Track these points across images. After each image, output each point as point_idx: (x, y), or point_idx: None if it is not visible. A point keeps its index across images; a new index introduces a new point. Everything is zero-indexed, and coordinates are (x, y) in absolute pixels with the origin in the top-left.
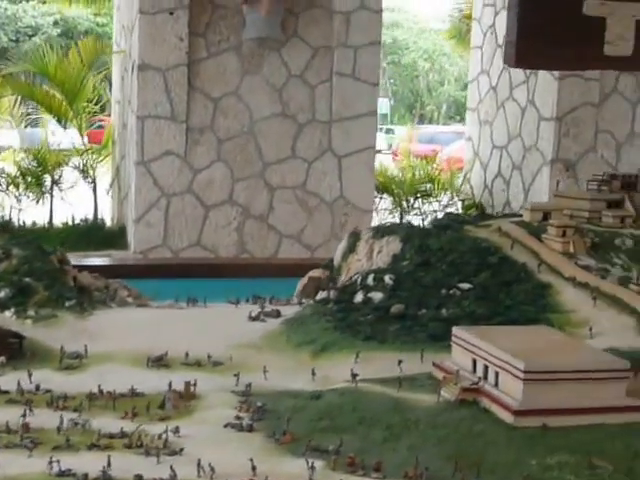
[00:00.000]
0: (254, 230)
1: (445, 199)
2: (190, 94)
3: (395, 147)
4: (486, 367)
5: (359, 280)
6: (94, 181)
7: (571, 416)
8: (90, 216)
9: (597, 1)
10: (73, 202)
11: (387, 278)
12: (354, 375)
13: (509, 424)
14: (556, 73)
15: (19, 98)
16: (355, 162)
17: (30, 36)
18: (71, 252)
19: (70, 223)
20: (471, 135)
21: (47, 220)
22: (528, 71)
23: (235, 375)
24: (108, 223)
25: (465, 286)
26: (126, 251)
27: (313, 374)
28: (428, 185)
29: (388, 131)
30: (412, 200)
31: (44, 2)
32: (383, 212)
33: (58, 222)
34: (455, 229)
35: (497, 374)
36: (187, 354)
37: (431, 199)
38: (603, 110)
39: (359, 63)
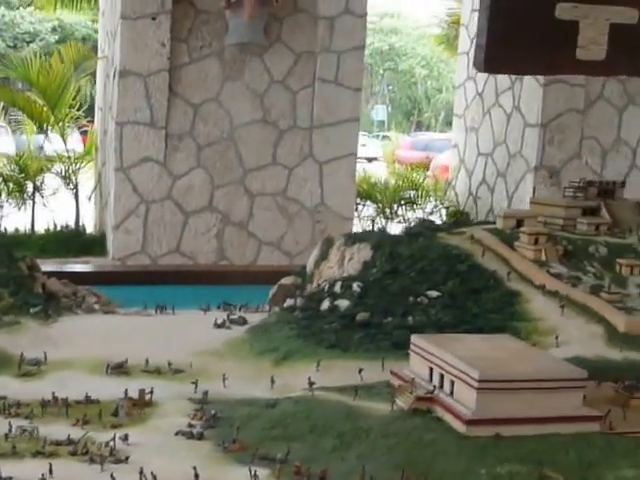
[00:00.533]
0: (234, 237)
1: (430, 206)
2: (170, 100)
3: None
4: (442, 376)
5: (326, 288)
6: (76, 188)
7: (525, 425)
8: (72, 223)
9: (570, 4)
10: (57, 209)
11: (355, 286)
12: (311, 383)
13: (461, 433)
14: (541, 79)
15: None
16: (336, 169)
17: (28, 42)
18: (50, 259)
19: (52, 230)
20: (457, 142)
21: (29, 227)
22: (513, 77)
23: (193, 383)
24: (91, 230)
25: (433, 294)
26: (105, 258)
27: (272, 382)
28: (412, 192)
29: (384, 138)
30: (396, 208)
31: (41, 8)
32: (365, 220)
33: (41, 229)
34: (427, 236)
35: (452, 383)
36: (147, 361)
37: (415, 207)
38: (589, 116)
39: (342, 68)
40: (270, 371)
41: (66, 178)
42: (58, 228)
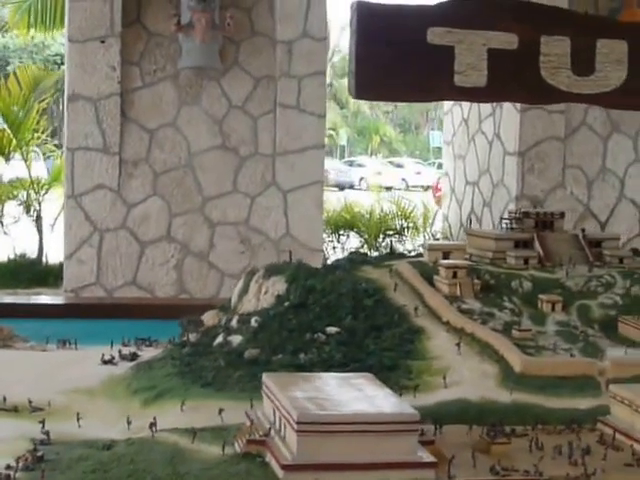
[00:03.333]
0: (194, 268)
1: (423, 237)
2: (124, 125)
3: (435, 182)
4: (281, 418)
5: (223, 322)
6: (38, 215)
7: (350, 472)
8: (34, 252)
9: (443, 29)
10: (25, 238)
11: (252, 321)
12: (152, 424)
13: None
14: (518, 105)
15: None
16: (302, 197)
17: (59, 65)
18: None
19: (13, 259)
20: (447, 170)
21: None
22: (494, 102)
23: (40, 422)
24: (59, 259)
25: (332, 330)
26: (58, 289)
27: (128, 423)
28: (400, 223)
29: (440, 166)
30: (382, 239)
31: (14, 29)
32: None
33: (5, 258)
34: (345, 269)
35: (285, 425)
36: (5, 398)
37: (403, 238)
38: (571, 144)
39: (303, 94)
40: (137, 411)
41: (27, 206)
42: (18, 258)
